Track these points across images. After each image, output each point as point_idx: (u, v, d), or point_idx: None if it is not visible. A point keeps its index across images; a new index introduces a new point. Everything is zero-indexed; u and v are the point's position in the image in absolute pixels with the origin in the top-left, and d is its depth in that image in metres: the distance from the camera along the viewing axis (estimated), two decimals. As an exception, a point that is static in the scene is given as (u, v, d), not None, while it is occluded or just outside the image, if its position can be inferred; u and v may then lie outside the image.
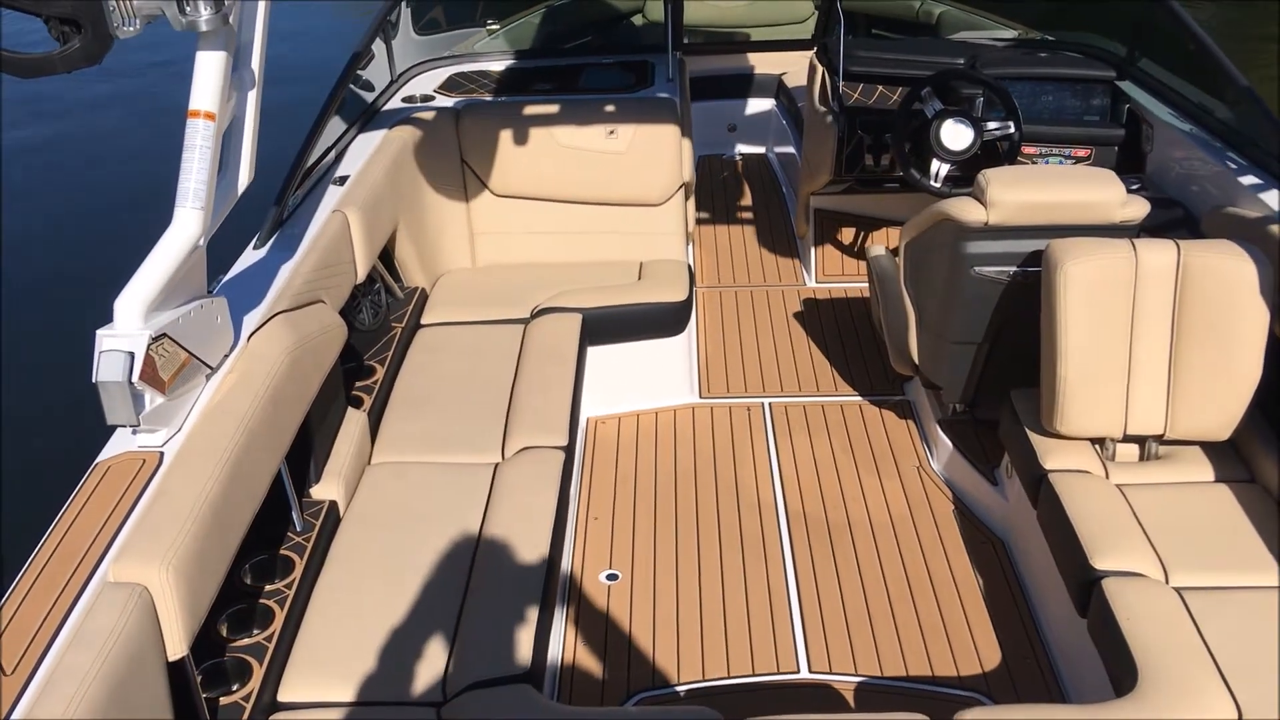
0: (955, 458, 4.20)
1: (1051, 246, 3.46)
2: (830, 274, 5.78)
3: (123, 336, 2.61)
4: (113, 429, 2.80)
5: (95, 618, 2.25)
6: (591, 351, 4.66)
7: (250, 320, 3.25)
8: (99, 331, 2.64)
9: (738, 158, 7.38)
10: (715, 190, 6.90)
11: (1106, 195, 3.63)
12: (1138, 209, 3.68)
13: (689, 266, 4.97)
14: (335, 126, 4.58)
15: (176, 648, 2.38)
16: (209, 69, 2.65)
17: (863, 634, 3.56)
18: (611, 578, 3.85)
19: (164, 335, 2.67)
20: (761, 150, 7.48)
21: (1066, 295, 3.39)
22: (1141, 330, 3.42)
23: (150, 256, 2.71)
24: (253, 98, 2.97)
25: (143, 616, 2.29)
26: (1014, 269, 3.79)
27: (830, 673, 3.44)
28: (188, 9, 2.49)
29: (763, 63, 7.35)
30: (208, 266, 3.25)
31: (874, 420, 4.66)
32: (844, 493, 4.22)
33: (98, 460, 2.73)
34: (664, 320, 4.65)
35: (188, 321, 2.80)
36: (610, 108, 4.91)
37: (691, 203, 5.73)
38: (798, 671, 3.45)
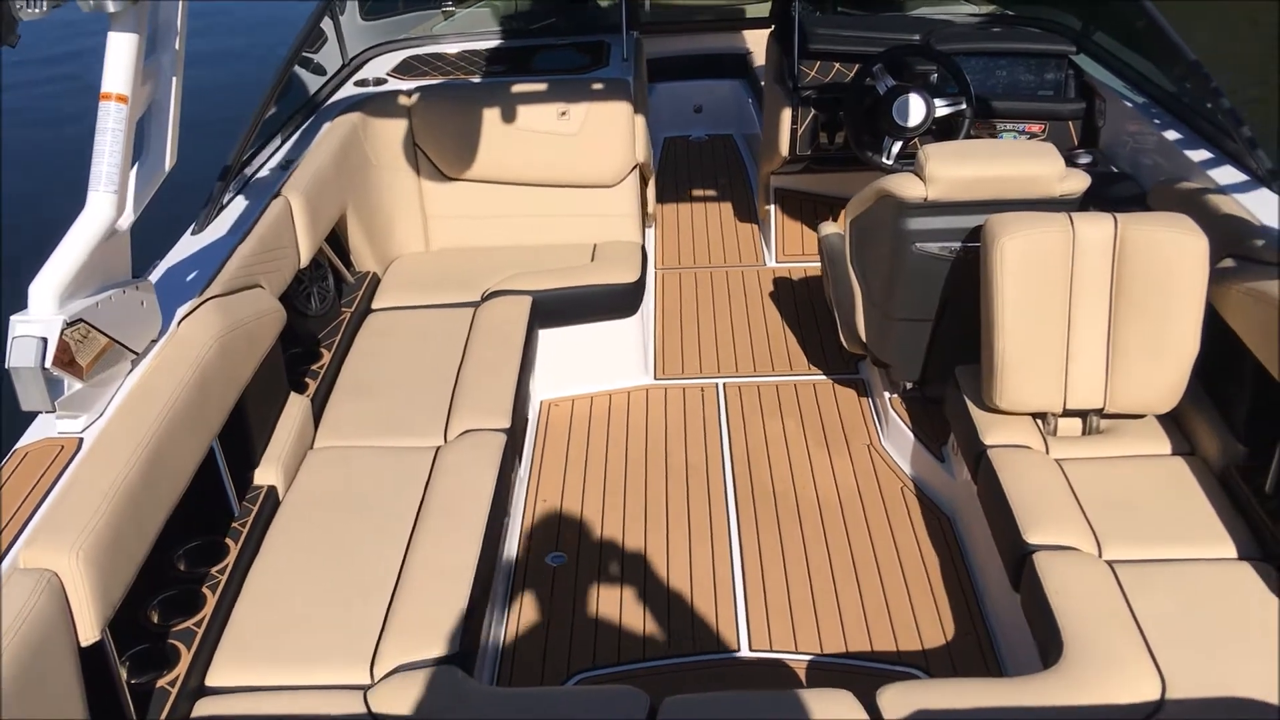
0: (905, 435, 4.19)
1: (989, 222, 3.45)
2: (791, 254, 5.77)
3: (36, 322, 2.59)
4: (35, 415, 2.79)
5: (1, 604, 2.24)
6: (545, 334, 4.65)
7: (182, 306, 3.24)
8: (13, 317, 2.62)
9: (704, 139, 7.35)
10: (679, 171, 6.88)
11: (1045, 169, 3.62)
12: (1077, 183, 3.67)
13: (643, 247, 4.95)
14: (282, 111, 4.55)
15: (88, 633, 2.37)
16: (120, 51, 2.63)
17: (805, 612, 3.56)
18: (557, 559, 3.85)
19: (80, 320, 2.66)
20: (729, 131, 7.45)
21: (1003, 270, 3.38)
22: (1080, 304, 3.41)
23: (63, 241, 2.69)
24: (174, 80, 2.94)
25: (50, 602, 2.28)
26: (956, 245, 3.78)
27: (771, 650, 3.44)
28: None
29: (730, 43, 7.32)
30: (144, 252, 3.24)
31: (828, 399, 4.66)
32: (793, 472, 4.21)
33: (16, 446, 2.71)
34: (616, 302, 4.63)
35: (108, 306, 2.78)
36: (563, 89, 4.89)
37: (652, 184, 5.71)
38: (738, 650, 3.45)
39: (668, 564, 3.80)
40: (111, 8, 2.50)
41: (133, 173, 2.95)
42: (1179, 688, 2.62)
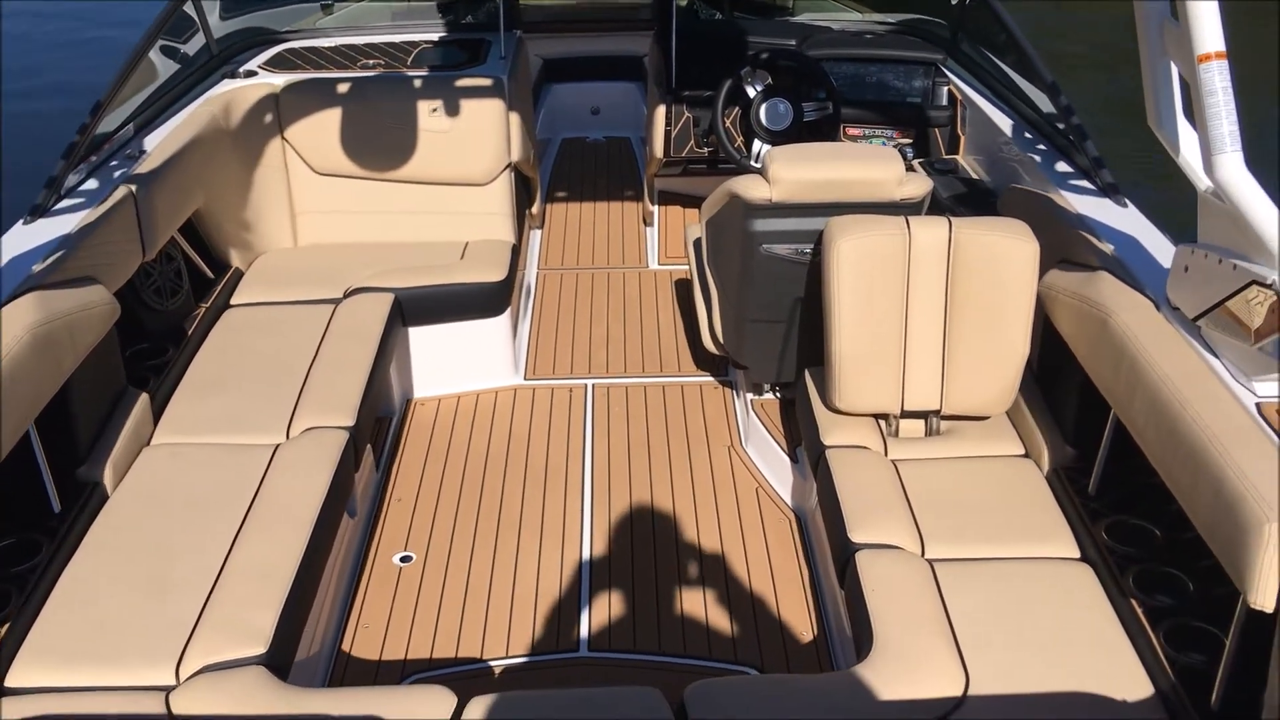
0: (763, 437, 4.21)
1: (828, 225, 3.47)
2: (673, 256, 5.78)
3: None
4: None
5: None
6: (414, 332, 4.60)
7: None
8: None
9: (601, 141, 7.35)
10: (573, 173, 6.86)
11: (884, 173, 3.66)
12: (918, 187, 3.71)
13: (515, 247, 4.93)
14: (136, 100, 4.46)
15: None
16: None
17: (648, 613, 3.56)
18: (405, 559, 3.80)
19: None
20: (626, 134, 7.45)
21: (839, 272, 3.41)
22: (916, 307, 3.45)
23: None
24: None
25: None
26: (804, 247, 3.81)
27: (609, 650, 3.42)
28: None
29: (629, 45, 7.32)
30: None
31: (694, 401, 4.66)
32: (652, 474, 4.21)
33: None
34: (483, 301, 4.60)
35: None
36: (435, 85, 4.85)
37: (537, 184, 5.69)
38: (577, 650, 3.43)
39: (516, 565, 3.77)
40: None
41: None
42: (982, 684, 2.65)
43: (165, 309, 4.21)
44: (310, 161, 4.87)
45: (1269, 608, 2.31)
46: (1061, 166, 4.09)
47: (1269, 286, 2.64)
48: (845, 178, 3.66)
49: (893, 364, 3.49)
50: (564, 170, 6.91)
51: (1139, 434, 2.89)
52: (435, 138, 4.82)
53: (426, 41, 5.57)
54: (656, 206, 5.92)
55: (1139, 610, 2.84)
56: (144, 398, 3.67)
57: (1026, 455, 3.53)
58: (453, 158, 4.85)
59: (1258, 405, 2.70)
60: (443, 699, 2.58)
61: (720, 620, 3.53)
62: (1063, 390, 3.46)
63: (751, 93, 4.78)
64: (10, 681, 2.73)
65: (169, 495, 3.35)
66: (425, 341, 4.65)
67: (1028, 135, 4.44)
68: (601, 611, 3.57)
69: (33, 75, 11.57)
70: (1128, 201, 3.75)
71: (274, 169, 4.85)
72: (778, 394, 4.33)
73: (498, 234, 5.00)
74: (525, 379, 4.85)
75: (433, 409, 4.65)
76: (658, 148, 5.20)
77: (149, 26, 4.25)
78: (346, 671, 3.37)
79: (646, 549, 3.84)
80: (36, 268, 3.32)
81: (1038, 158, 4.20)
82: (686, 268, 5.73)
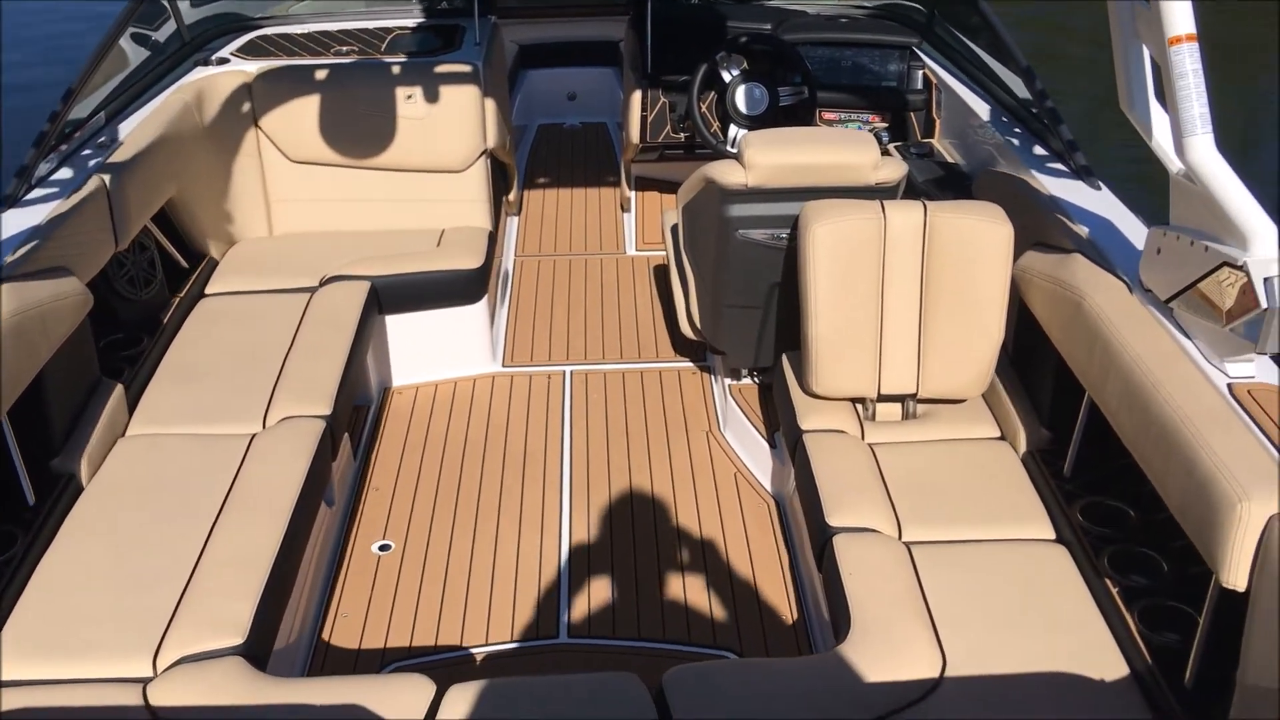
0: (741, 422, 4.22)
1: (804, 209, 3.48)
2: (650, 242, 5.77)
3: None
4: None
5: None
6: (391, 320, 4.59)
7: None
8: None
9: (578, 126, 7.33)
10: (550, 159, 6.84)
11: (859, 157, 3.66)
12: (892, 171, 3.72)
13: (492, 234, 4.91)
14: (107, 88, 4.41)
15: None
16: None
17: (627, 599, 3.57)
18: (384, 548, 3.80)
19: None
20: (603, 119, 7.43)
21: (815, 257, 3.41)
22: (891, 291, 3.46)
23: None
24: None
25: None
26: (780, 232, 3.81)
27: (588, 637, 3.43)
28: None
29: (605, 30, 7.30)
30: None
31: (673, 386, 4.67)
32: (631, 460, 4.21)
33: None
34: (459, 288, 4.59)
35: None
36: (410, 72, 4.82)
37: (513, 170, 5.67)
38: (557, 637, 3.44)
39: (495, 553, 3.77)
40: None
41: None
42: (958, 665, 2.67)
43: (139, 299, 4.18)
44: (285, 149, 4.83)
45: (1241, 587, 2.34)
46: (1036, 150, 4.11)
47: (1240, 268, 2.66)
48: (821, 162, 3.66)
49: (869, 348, 3.51)
50: (540, 156, 6.89)
51: (1113, 416, 2.91)
52: (411, 124, 4.79)
53: (401, 28, 5.53)
54: (634, 192, 5.91)
55: (1114, 590, 2.86)
56: (119, 389, 3.64)
57: (1002, 438, 3.55)
58: (428, 144, 4.83)
59: (1229, 386, 2.73)
60: (422, 687, 2.58)
61: (699, 605, 3.54)
62: (1038, 373, 3.48)
63: (727, 77, 4.78)
64: None
65: (144, 486, 3.33)
66: (402, 329, 4.63)
67: (1003, 119, 4.45)
68: (580, 598, 3.58)
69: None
70: (1101, 184, 3.77)
71: (248, 157, 4.82)
72: (756, 379, 4.34)
73: (474, 221, 4.98)
74: (503, 366, 4.84)
75: (410, 397, 4.64)
76: (634, 133, 5.19)
77: (119, 13, 4.20)
78: (325, 661, 3.37)
79: (625, 535, 3.84)
80: (7, 258, 3.28)
81: (1013, 141, 4.22)
82: (664, 253, 5.73)
